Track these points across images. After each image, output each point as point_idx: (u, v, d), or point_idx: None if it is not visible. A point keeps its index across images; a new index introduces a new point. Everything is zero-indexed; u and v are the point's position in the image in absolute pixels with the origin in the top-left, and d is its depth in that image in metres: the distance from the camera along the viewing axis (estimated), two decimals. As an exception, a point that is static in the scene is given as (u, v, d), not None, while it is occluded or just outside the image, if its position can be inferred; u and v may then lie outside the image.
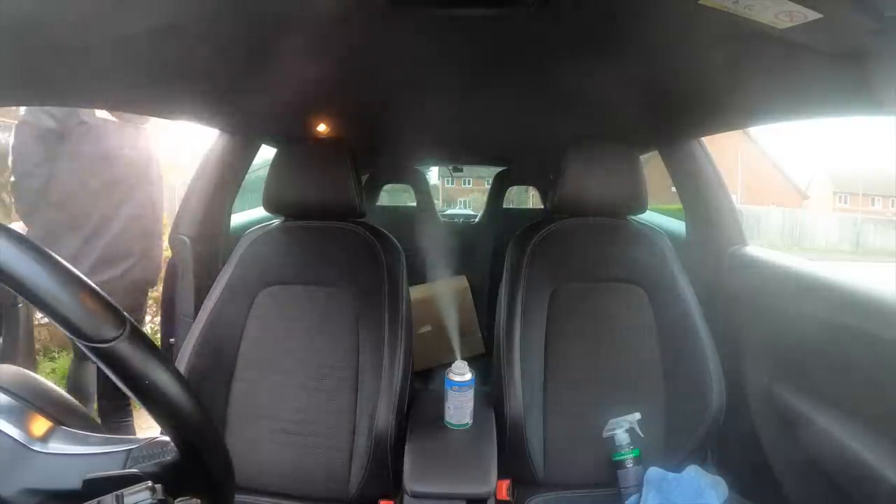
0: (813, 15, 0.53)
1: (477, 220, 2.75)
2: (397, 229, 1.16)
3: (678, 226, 1.46)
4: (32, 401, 0.40)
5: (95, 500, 0.33)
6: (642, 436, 0.95)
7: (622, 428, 0.95)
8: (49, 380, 0.52)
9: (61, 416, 0.41)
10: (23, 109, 1.34)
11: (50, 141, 1.30)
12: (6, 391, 0.39)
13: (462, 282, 1.96)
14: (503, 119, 1.41)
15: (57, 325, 0.30)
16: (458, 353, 1.04)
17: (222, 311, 0.99)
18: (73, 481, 0.35)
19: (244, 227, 1.17)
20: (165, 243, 1.44)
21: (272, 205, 1.06)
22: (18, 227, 1.35)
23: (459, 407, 0.95)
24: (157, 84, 0.85)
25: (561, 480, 0.98)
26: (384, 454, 0.91)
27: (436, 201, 3.06)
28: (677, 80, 0.91)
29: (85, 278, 0.31)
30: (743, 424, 1.01)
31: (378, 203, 2.57)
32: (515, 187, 2.58)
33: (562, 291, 1.06)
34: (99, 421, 1.45)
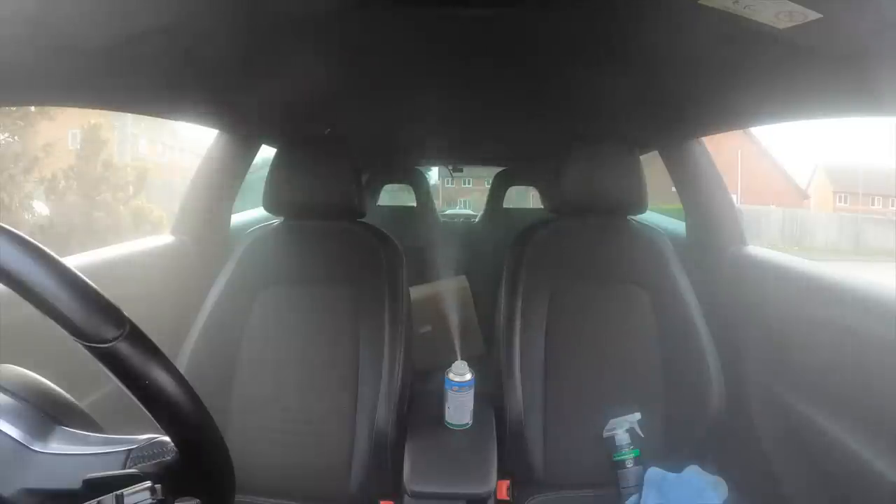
0: (813, 15, 0.53)
1: (477, 220, 2.75)
2: (397, 229, 1.16)
3: (678, 226, 1.46)
4: (32, 401, 0.40)
5: (95, 500, 0.32)
6: (642, 436, 0.95)
7: (622, 428, 0.95)
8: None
9: (61, 416, 0.40)
10: None
11: None
12: (6, 391, 0.39)
13: (462, 282, 1.96)
14: (503, 119, 1.41)
15: (57, 324, 0.30)
16: (458, 353, 1.04)
17: (222, 310, 0.99)
18: (73, 481, 0.35)
19: (244, 227, 1.17)
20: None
21: (272, 205, 1.06)
22: None
23: (459, 407, 0.95)
24: (157, 84, 0.85)
25: (561, 480, 0.98)
26: (384, 454, 0.91)
27: (436, 201, 3.05)
28: (677, 80, 0.91)
29: (85, 278, 0.31)
30: (743, 424, 1.01)
31: (378, 203, 2.57)
32: (515, 187, 2.58)
33: (561, 291, 1.06)
34: None
